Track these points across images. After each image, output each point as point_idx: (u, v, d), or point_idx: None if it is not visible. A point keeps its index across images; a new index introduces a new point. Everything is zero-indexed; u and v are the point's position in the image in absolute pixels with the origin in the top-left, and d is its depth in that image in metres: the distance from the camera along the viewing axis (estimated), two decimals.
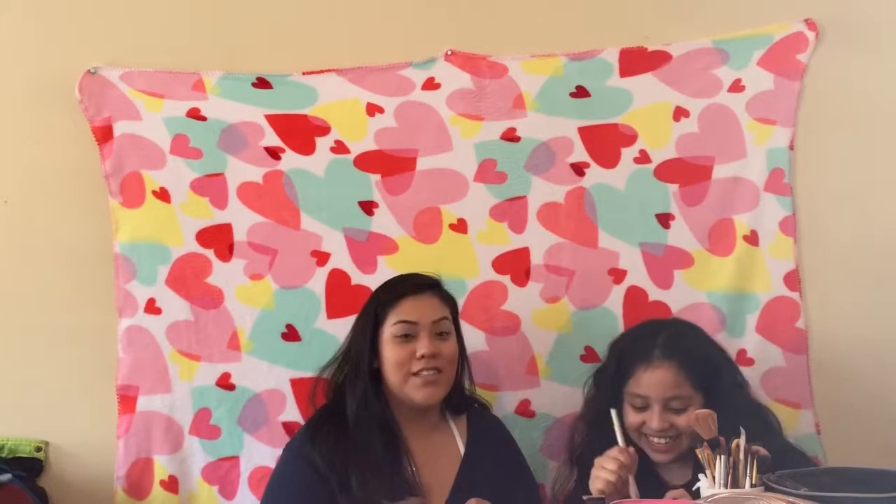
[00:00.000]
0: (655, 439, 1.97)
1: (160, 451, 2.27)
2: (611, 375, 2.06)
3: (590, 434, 2.09)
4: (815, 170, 2.34)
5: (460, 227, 2.34)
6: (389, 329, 1.98)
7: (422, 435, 2.00)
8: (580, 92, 2.37)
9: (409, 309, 2.00)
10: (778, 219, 2.33)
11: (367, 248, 2.32)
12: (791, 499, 1.54)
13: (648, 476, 1.98)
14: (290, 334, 2.29)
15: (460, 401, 2.08)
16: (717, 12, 2.38)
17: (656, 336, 2.02)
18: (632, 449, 1.91)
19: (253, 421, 2.27)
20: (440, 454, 2.01)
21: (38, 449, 2.24)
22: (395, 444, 1.94)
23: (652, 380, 1.97)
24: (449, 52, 2.38)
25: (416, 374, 1.97)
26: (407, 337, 1.98)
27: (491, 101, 2.37)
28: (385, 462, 1.90)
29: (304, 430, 2.02)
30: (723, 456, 1.67)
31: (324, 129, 2.35)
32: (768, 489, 1.63)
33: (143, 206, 2.30)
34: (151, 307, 2.28)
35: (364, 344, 2.00)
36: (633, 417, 1.99)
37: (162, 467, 2.27)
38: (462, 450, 2.02)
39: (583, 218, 2.34)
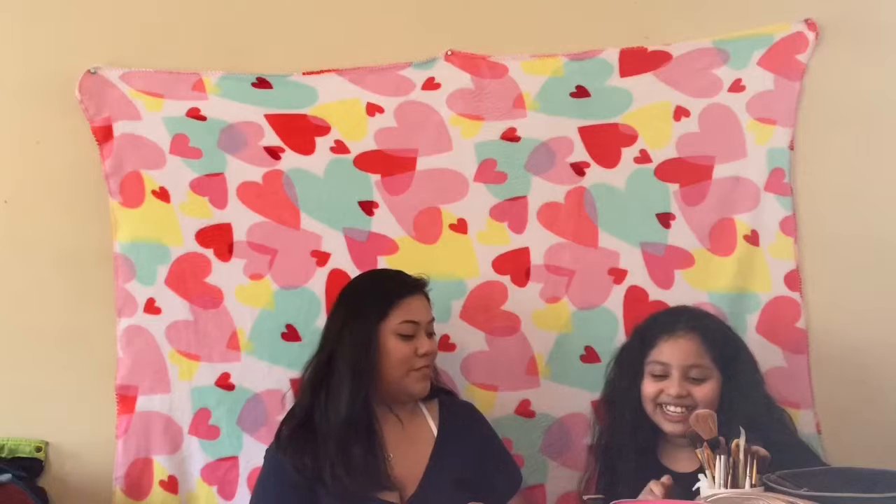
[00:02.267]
0: (671, 408, 1.99)
1: (159, 451, 2.27)
2: (634, 350, 2.09)
3: (611, 413, 2.11)
4: (815, 170, 2.34)
5: (460, 227, 2.34)
6: (394, 327, 2.01)
7: (398, 422, 2.03)
8: (580, 92, 2.37)
9: (412, 309, 2.04)
10: (778, 218, 2.33)
11: (367, 248, 2.32)
12: (791, 499, 1.55)
13: (651, 462, 2.01)
14: (290, 334, 2.30)
15: (432, 387, 2.11)
16: (717, 12, 2.38)
17: (680, 313, 2.09)
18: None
19: (252, 421, 2.27)
20: (415, 438, 2.04)
21: (38, 449, 2.25)
22: (373, 439, 1.98)
23: (674, 348, 2.01)
24: (449, 52, 2.38)
25: (416, 369, 2.02)
26: (409, 336, 2.02)
27: (491, 101, 2.37)
28: (362, 460, 1.94)
29: (277, 438, 2.02)
30: (723, 456, 1.67)
31: (324, 129, 2.35)
32: (768, 489, 1.63)
33: (143, 206, 2.30)
34: (151, 307, 2.28)
35: (365, 340, 1.99)
36: (650, 387, 2.02)
37: (161, 467, 2.27)
38: (435, 431, 2.06)
39: (583, 218, 2.34)
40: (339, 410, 1.96)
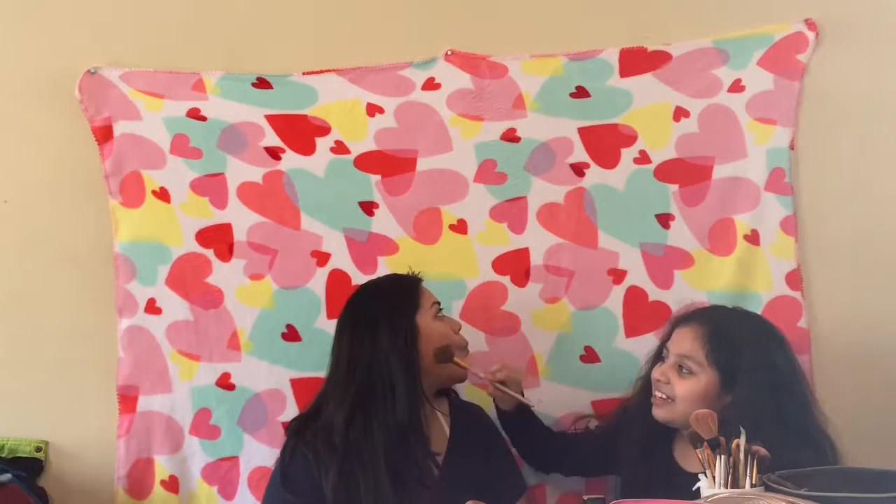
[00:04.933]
0: (655, 391, 1.98)
1: (160, 451, 2.27)
2: (664, 337, 2.06)
3: (629, 399, 2.12)
4: (815, 169, 2.34)
5: (460, 227, 2.34)
6: (428, 310, 2.04)
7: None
8: (580, 92, 2.37)
9: (431, 293, 2.08)
10: (779, 218, 2.32)
11: (367, 248, 2.32)
12: (791, 499, 1.54)
13: (664, 460, 2.01)
14: (290, 334, 2.30)
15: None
16: (717, 12, 2.38)
17: (713, 309, 2.09)
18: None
19: (253, 421, 2.27)
20: (431, 437, 2.02)
21: (38, 449, 2.25)
22: (424, 437, 1.99)
23: (677, 335, 1.99)
24: (449, 52, 2.38)
25: (462, 347, 2.08)
26: (440, 318, 2.07)
27: (491, 102, 2.37)
28: (421, 461, 1.96)
29: (316, 455, 1.96)
30: (723, 456, 1.67)
31: (324, 130, 2.35)
32: (768, 489, 1.63)
33: (143, 206, 2.30)
34: (151, 307, 2.29)
35: (409, 333, 1.99)
36: (654, 370, 2.01)
37: (162, 467, 2.27)
38: (447, 431, 2.06)
39: (583, 218, 2.34)
40: (397, 413, 1.93)
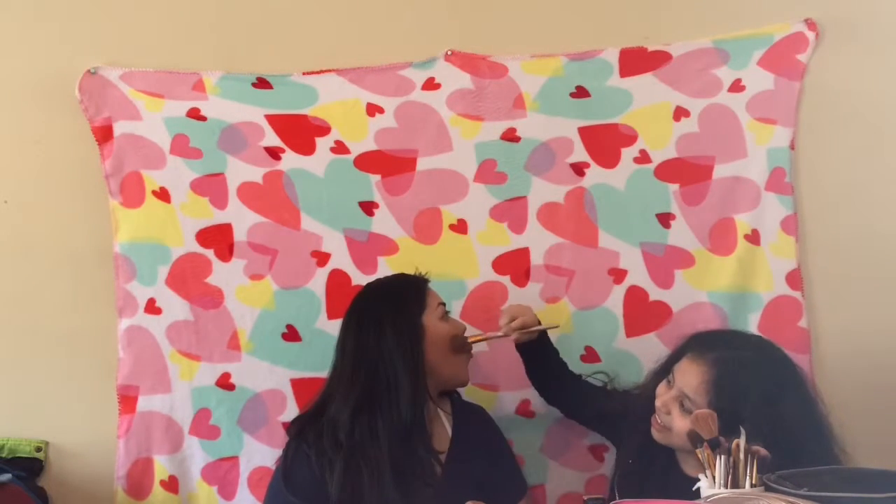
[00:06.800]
0: (656, 415, 1.96)
1: (160, 451, 2.27)
2: (675, 354, 2.01)
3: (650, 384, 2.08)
4: (816, 169, 2.34)
5: (460, 227, 2.34)
6: (434, 311, 2.05)
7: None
8: (580, 92, 2.37)
9: (436, 294, 2.09)
10: (779, 218, 2.33)
11: (367, 248, 2.32)
12: (791, 499, 1.54)
13: (670, 467, 1.99)
14: (291, 334, 2.30)
15: None
16: (717, 12, 2.38)
17: (730, 344, 1.97)
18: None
19: (253, 421, 2.27)
20: (434, 436, 2.02)
21: (38, 449, 2.25)
22: (428, 437, 2.00)
23: (686, 366, 1.93)
24: (449, 52, 2.38)
25: (466, 350, 2.09)
26: (446, 319, 2.08)
27: (491, 102, 2.37)
28: (426, 460, 1.96)
29: (323, 453, 1.96)
30: (723, 456, 1.67)
31: (324, 129, 2.35)
32: (768, 489, 1.63)
33: (143, 206, 2.30)
34: (151, 307, 2.29)
35: (415, 334, 2.00)
36: (658, 389, 1.97)
37: (162, 467, 2.27)
38: (449, 431, 2.06)
39: (583, 218, 2.34)
40: (402, 412, 1.94)
